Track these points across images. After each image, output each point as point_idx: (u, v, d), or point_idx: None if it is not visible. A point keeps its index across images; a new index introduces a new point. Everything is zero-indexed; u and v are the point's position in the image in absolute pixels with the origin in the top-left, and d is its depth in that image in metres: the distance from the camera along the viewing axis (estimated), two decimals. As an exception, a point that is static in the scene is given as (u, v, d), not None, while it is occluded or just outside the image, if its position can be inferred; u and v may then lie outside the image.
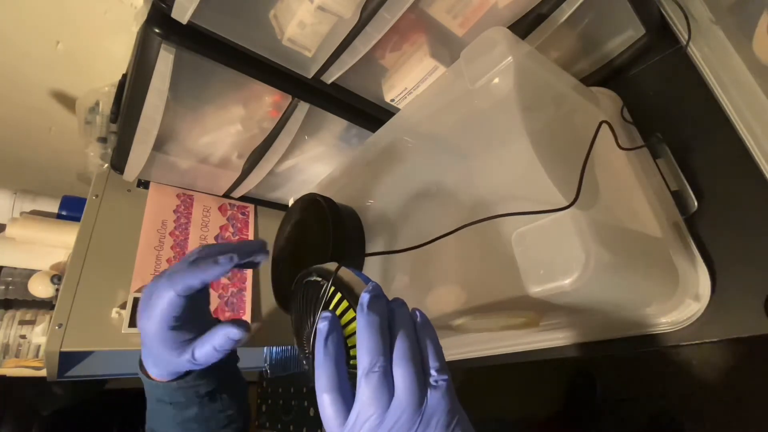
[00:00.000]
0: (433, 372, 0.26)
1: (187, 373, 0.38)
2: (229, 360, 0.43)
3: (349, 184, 0.61)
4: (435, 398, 0.25)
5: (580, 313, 0.46)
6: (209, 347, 0.34)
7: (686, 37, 0.48)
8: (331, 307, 0.30)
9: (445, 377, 0.26)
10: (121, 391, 0.99)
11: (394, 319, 0.28)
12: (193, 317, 0.35)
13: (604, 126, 0.48)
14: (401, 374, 0.25)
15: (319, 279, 0.31)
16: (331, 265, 0.31)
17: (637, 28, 0.53)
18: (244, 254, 0.36)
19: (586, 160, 0.35)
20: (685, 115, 0.51)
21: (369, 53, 0.48)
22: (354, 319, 0.28)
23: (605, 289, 0.34)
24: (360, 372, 0.26)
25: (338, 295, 0.30)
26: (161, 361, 0.36)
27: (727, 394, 1.03)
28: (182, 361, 0.35)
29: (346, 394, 0.26)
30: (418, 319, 0.29)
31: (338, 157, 0.77)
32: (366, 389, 0.25)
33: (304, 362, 0.32)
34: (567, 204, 0.32)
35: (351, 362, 0.28)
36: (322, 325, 0.28)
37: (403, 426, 0.24)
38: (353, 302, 0.29)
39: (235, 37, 0.48)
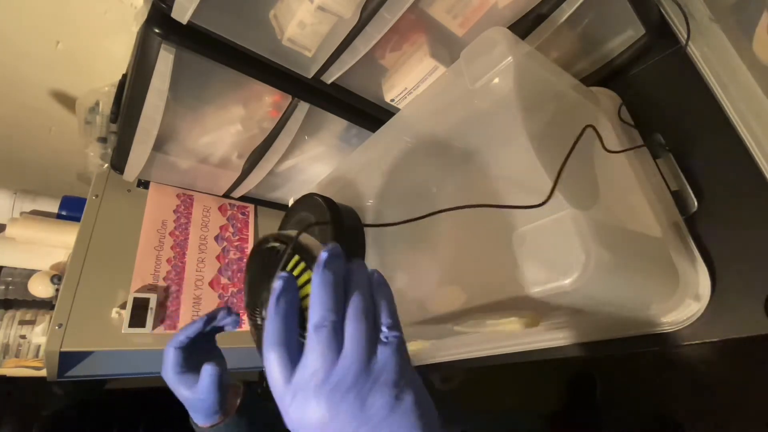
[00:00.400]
0: (384, 329, 0.26)
1: (223, 420, 0.45)
2: (257, 413, 0.49)
3: (349, 184, 0.61)
4: (385, 354, 0.25)
5: (580, 313, 0.46)
6: (201, 383, 0.43)
7: (685, 36, 0.48)
8: (288, 268, 0.29)
9: (396, 334, 0.26)
10: (121, 391, 0.99)
11: (351, 278, 0.27)
12: (197, 361, 0.44)
13: (601, 127, 0.48)
14: (351, 329, 0.25)
15: (277, 245, 0.30)
16: (292, 232, 0.30)
17: (637, 28, 0.53)
18: (212, 319, 0.46)
19: (564, 163, 0.36)
20: (685, 115, 0.51)
21: (369, 53, 0.48)
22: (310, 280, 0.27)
23: (605, 289, 0.34)
24: (310, 328, 0.25)
25: (296, 258, 0.29)
26: (188, 403, 0.44)
27: (727, 394, 1.03)
28: (196, 399, 0.43)
29: (294, 352, 0.25)
30: (375, 278, 0.29)
31: (338, 157, 0.77)
32: (314, 344, 0.24)
33: (254, 336, 0.31)
34: (540, 202, 0.32)
35: (306, 325, 0.26)
36: (276, 284, 0.26)
37: (351, 381, 0.23)
38: (311, 263, 0.28)
39: (235, 37, 0.48)
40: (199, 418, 0.44)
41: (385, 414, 0.24)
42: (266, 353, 0.25)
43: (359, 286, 0.27)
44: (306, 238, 0.30)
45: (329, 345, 0.24)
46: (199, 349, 0.46)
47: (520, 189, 0.38)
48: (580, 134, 0.38)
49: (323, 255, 0.27)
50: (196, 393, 0.43)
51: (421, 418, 0.24)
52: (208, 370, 0.42)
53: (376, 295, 0.28)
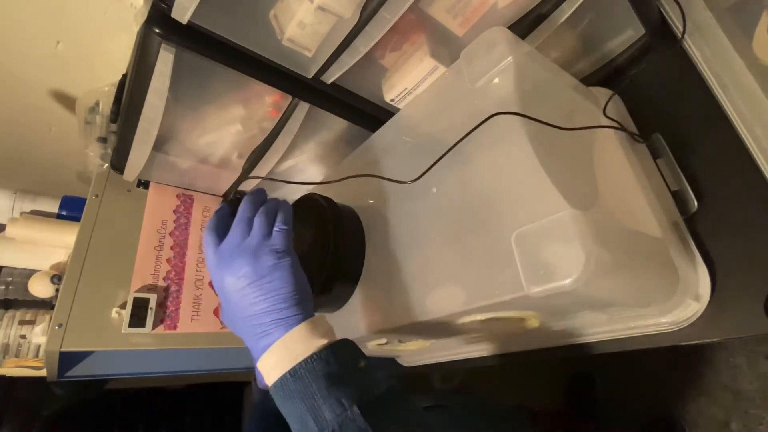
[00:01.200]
0: (278, 223, 0.41)
1: None
2: None
3: (349, 184, 0.61)
4: (275, 236, 0.40)
5: (580, 313, 0.46)
6: None
7: (681, 30, 0.48)
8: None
9: (285, 227, 0.40)
10: (121, 391, 0.99)
11: (266, 200, 0.44)
12: None
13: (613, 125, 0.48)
14: (257, 220, 0.40)
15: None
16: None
17: (637, 28, 0.53)
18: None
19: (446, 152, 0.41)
20: (685, 115, 0.51)
21: (369, 53, 0.48)
22: None
23: (605, 289, 0.34)
24: (235, 220, 0.41)
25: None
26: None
27: (727, 394, 1.03)
28: None
29: (221, 234, 0.41)
30: (282, 200, 0.44)
31: (338, 157, 0.77)
32: (235, 227, 0.40)
33: None
34: (414, 179, 0.32)
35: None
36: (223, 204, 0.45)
37: (253, 246, 0.38)
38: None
39: (235, 37, 0.48)
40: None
41: (270, 268, 0.37)
42: (205, 233, 0.41)
43: (269, 203, 0.43)
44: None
45: (243, 228, 0.40)
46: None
47: (519, 189, 0.38)
48: (485, 120, 0.40)
49: (250, 193, 0.44)
50: None
51: (294, 275, 0.38)
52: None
53: (281, 208, 0.43)
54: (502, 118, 0.40)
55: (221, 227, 0.41)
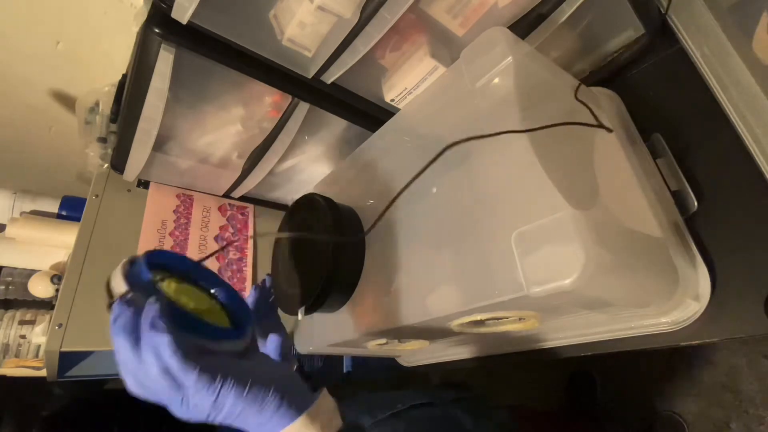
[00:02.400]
0: (169, 359, 0.29)
1: None
2: None
3: (349, 184, 0.61)
4: (193, 378, 0.29)
5: (580, 313, 0.46)
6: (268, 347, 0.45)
7: (665, 7, 0.48)
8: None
9: (189, 365, 0.29)
10: (121, 391, 0.99)
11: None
12: (263, 332, 0.51)
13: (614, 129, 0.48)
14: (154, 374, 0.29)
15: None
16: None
17: (637, 28, 0.53)
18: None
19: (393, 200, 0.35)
20: (685, 115, 0.51)
21: (369, 53, 0.48)
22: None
23: (605, 289, 0.34)
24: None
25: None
26: None
27: (727, 394, 1.03)
28: None
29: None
30: (151, 323, 0.30)
31: (338, 157, 0.77)
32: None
33: None
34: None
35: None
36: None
37: (181, 399, 0.30)
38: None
39: (235, 37, 0.48)
40: None
41: (208, 408, 0.29)
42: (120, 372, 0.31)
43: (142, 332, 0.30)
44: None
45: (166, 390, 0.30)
46: (263, 318, 0.54)
47: (519, 189, 0.38)
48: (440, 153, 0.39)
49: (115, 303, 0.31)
50: None
51: (258, 385, 0.30)
52: (273, 340, 0.45)
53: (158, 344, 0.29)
54: (502, 117, 0.40)
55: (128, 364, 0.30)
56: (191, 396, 0.29)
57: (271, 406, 0.30)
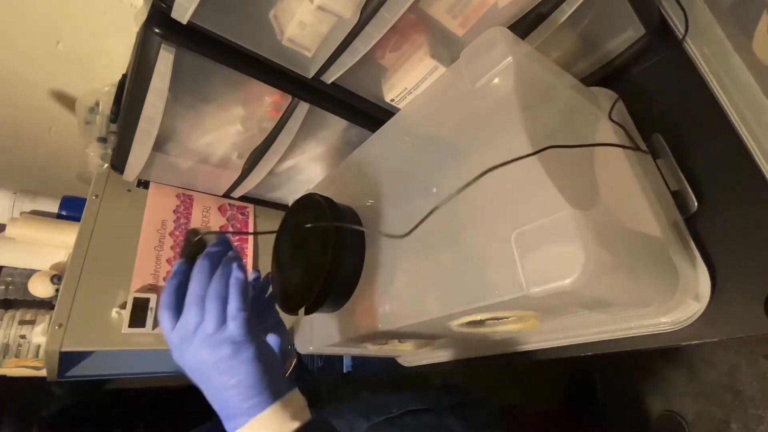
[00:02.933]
0: (233, 308, 0.36)
1: None
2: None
3: (349, 184, 0.61)
4: (231, 324, 0.36)
5: (580, 313, 0.46)
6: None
7: (683, 32, 0.48)
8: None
9: (242, 313, 0.36)
10: (121, 391, 0.99)
11: (218, 269, 0.38)
12: (262, 328, 0.51)
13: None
14: (208, 305, 0.36)
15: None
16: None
17: (637, 28, 0.53)
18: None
19: (443, 203, 0.35)
20: (685, 115, 0.51)
21: (369, 53, 0.48)
22: None
23: (605, 289, 0.34)
24: (186, 299, 0.37)
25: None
26: None
27: (727, 394, 1.03)
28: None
29: (175, 314, 0.37)
30: (233, 272, 0.38)
31: (338, 157, 0.77)
32: (186, 311, 0.36)
33: None
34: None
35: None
36: (173, 268, 0.39)
37: (205, 336, 0.35)
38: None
39: (235, 37, 0.48)
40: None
41: (228, 360, 0.35)
42: (160, 312, 0.37)
43: (221, 275, 0.37)
44: (209, 237, 0.42)
45: (196, 312, 0.36)
46: (261, 314, 0.54)
47: (519, 189, 0.38)
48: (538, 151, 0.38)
49: (208, 250, 0.39)
50: None
51: (257, 363, 0.35)
52: (272, 340, 0.47)
53: (232, 283, 0.37)
54: (502, 117, 0.40)
55: (175, 303, 0.37)
56: (219, 330, 0.35)
57: (260, 386, 0.35)
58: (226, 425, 0.35)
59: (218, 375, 0.35)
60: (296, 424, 0.34)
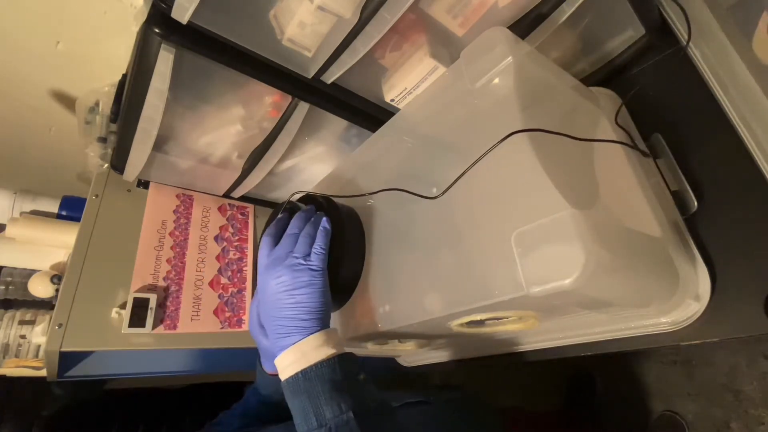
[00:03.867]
0: (317, 246, 0.46)
1: None
2: None
3: (349, 184, 0.61)
4: (313, 256, 0.45)
5: (580, 313, 0.46)
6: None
7: (686, 37, 0.48)
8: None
9: (323, 251, 0.46)
10: (121, 391, 0.99)
11: (311, 221, 0.49)
12: None
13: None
14: (301, 239, 0.46)
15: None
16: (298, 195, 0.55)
17: (637, 28, 0.53)
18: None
19: (471, 166, 0.35)
20: (685, 115, 0.51)
21: (369, 53, 0.48)
22: None
23: (605, 289, 0.34)
24: (285, 233, 0.48)
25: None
26: (263, 351, 0.51)
27: (727, 394, 1.03)
28: (273, 347, 0.47)
29: (275, 242, 0.47)
30: (322, 223, 0.49)
31: (338, 157, 0.77)
32: (284, 240, 0.47)
33: None
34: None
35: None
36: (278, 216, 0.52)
37: (293, 261, 0.44)
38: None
39: (235, 37, 0.48)
40: (269, 366, 0.50)
41: (304, 282, 0.43)
42: (262, 239, 0.48)
43: (313, 222, 0.49)
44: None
45: (290, 242, 0.46)
46: None
47: (519, 189, 0.38)
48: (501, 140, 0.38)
49: (303, 209, 0.52)
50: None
51: (322, 293, 0.44)
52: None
53: (321, 231, 0.48)
54: (502, 117, 0.40)
55: (276, 235, 0.48)
56: (304, 259, 0.45)
57: (320, 312, 0.43)
58: (275, 346, 0.42)
59: (290, 296, 0.42)
60: (335, 351, 0.41)
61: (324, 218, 0.49)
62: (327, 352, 0.41)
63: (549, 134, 0.38)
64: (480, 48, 0.42)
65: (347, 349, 0.43)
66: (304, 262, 0.44)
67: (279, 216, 0.51)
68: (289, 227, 0.48)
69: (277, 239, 0.47)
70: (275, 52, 0.51)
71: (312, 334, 0.41)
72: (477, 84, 0.42)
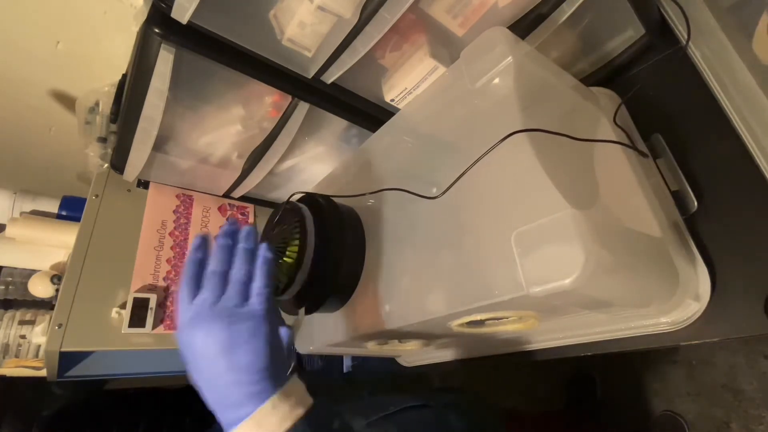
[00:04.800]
0: (258, 283, 0.37)
1: None
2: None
3: (348, 184, 0.61)
4: (256, 301, 0.36)
5: (580, 313, 0.46)
6: None
7: (686, 37, 0.48)
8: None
9: (266, 289, 0.37)
10: (121, 391, 0.99)
11: (241, 247, 0.39)
12: None
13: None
14: (233, 278, 0.37)
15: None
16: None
17: (637, 28, 0.53)
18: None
19: (471, 165, 0.35)
20: (685, 115, 0.51)
21: (369, 53, 0.48)
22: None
23: (605, 289, 0.34)
24: (207, 272, 0.37)
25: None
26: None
27: (727, 394, 1.03)
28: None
29: (195, 287, 0.37)
30: (261, 252, 0.39)
31: (338, 157, 0.77)
32: (207, 282, 0.37)
33: None
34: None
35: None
36: (193, 242, 0.39)
37: (228, 310, 0.35)
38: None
39: (235, 37, 0.48)
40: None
41: (245, 337, 0.34)
42: (180, 284, 0.37)
43: (243, 253, 0.38)
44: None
45: (216, 284, 0.36)
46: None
47: (519, 189, 0.38)
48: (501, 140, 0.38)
49: (223, 227, 0.40)
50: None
51: (270, 345, 0.35)
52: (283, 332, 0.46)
53: (259, 263, 0.38)
54: (502, 117, 0.40)
55: (196, 276, 0.37)
56: (242, 305, 0.36)
57: (269, 371, 0.34)
58: (226, 416, 0.33)
59: (228, 355, 0.33)
60: (300, 411, 0.34)
61: (264, 244, 0.39)
62: (290, 416, 0.33)
63: (549, 134, 0.38)
64: (480, 48, 0.42)
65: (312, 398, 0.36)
66: (242, 309, 0.35)
67: (197, 244, 0.39)
68: (211, 262, 0.37)
69: (197, 281, 0.37)
70: (275, 52, 0.51)
71: (268, 399, 0.33)
72: (477, 84, 0.42)
